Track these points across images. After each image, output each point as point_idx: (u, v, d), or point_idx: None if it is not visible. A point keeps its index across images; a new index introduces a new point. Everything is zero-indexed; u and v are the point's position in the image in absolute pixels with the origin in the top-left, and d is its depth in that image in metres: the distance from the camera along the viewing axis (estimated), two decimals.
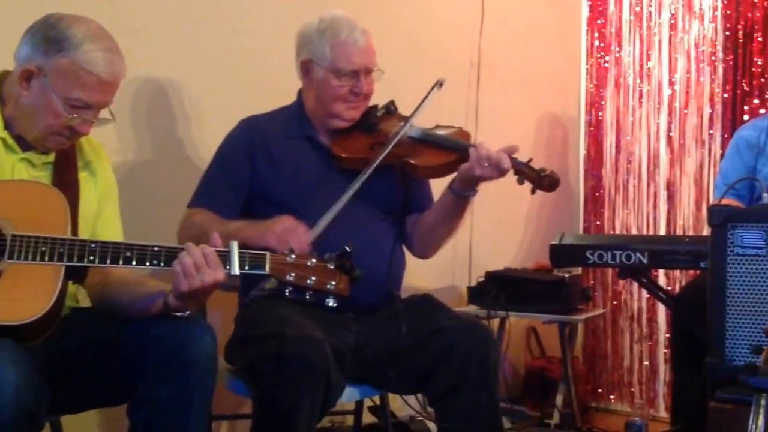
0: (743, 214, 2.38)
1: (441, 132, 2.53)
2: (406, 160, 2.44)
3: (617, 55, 4.14)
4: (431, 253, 2.64)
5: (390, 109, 2.56)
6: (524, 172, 2.38)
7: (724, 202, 2.80)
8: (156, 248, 1.83)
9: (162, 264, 1.82)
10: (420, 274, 3.33)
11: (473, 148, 2.36)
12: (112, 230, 2.06)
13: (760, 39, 3.68)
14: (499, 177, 2.38)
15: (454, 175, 2.46)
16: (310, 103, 2.53)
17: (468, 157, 2.36)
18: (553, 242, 3.09)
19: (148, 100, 2.74)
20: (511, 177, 2.41)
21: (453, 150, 2.44)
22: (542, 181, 2.39)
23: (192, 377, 1.81)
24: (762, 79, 3.68)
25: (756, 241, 2.27)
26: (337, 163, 2.48)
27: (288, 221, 2.23)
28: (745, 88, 3.72)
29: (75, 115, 1.90)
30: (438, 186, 2.60)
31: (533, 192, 2.41)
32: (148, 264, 1.82)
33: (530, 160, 2.41)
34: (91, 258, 1.80)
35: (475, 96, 3.73)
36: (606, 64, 4.17)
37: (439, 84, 2.51)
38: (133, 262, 1.82)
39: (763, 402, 1.85)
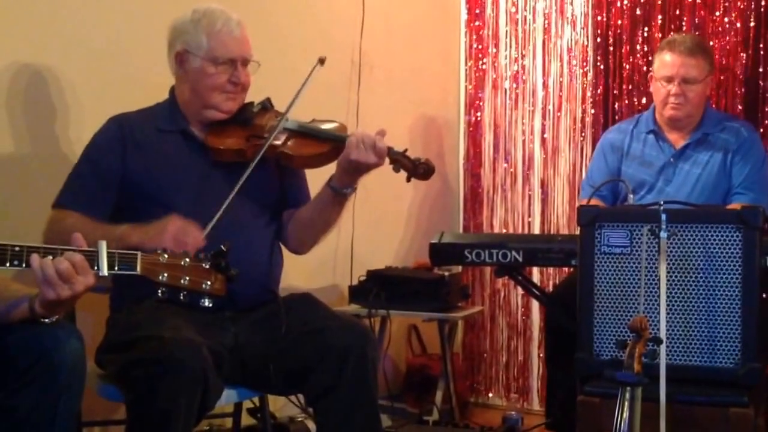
0: (610, 214, 2.47)
1: (317, 125, 2.53)
2: (282, 150, 2.44)
3: (494, 57, 4.23)
4: (306, 249, 2.64)
5: (266, 105, 2.55)
6: (400, 160, 2.42)
7: (588, 202, 2.91)
8: (17, 248, 1.74)
9: (24, 265, 1.73)
10: (301, 273, 3.32)
11: (351, 136, 2.38)
12: None
13: (628, 45, 3.83)
14: (376, 161, 2.38)
15: (330, 169, 2.46)
16: (184, 96, 2.49)
17: (343, 147, 2.38)
18: (433, 241, 3.14)
19: (22, 93, 2.62)
20: (391, 174, 2.44)
21: (328, 140, 2.45)
22: (417, 169, 2.42)
23: (56, 383, 1.73)
24: (630, 84, 3.83)
25: (621, 240, 2.36)
26: (212, 155, 2.45)
27: (178, 221, 2.18)
28: (615, 91, 3.86)
29: None
30: (315, 182, 2.59)
31: (408, 179, 2.44)
32: (8, 264, 1.73)
33: (406, 150, 2.44)
34: None
35: (356, 95, 3.74)
36: (484, 66, 4.25)
37: (320, 61, 2.51)
38: None
39: (627, 395, 1.92)
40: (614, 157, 3.32)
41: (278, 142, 2.44)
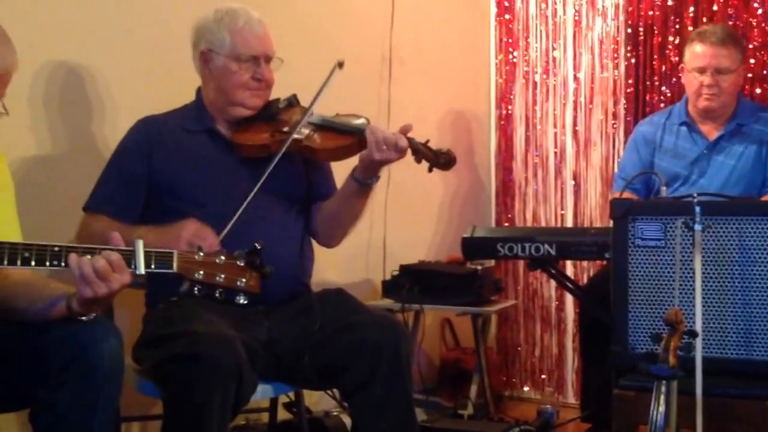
0: (643, 207, 2.46)
1: (340, 118, 2.54)
2: (306, 144, 2.46)
3: (525, 50, 4.21)
4: (335, 242, 2.65)
5: (292, 101, 2.57)
6: (421, 151, 2.43)
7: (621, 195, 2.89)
8: (56, 248, 1.77)
9: (63, 264, 1.76)
10: (334, 268, 3.34)
11: (369, 133, 2.39)
12: (7, 228, 1.98)
13: (660, 36, 3.80)
14: (398, 158, 2.41)
15: (354, 160, 2.48)
16: (210, 95, 2.52)
17: (365, 140, 2.39)
18: (465, 235, 3.13)
19: (58, 91, 2.67)
20: (422, 169, 2.45)
21: (351, 133, 2.47)
22: (438, 159, 2.44)
23: (95, 380, 1.75)
24: (662, 75, 3.80)
25: (655, 232, 2.34)
26: (238, 152, 2.48)
27: (193, 225, 2.22)
28: (646, 83, 3.83)
29: None
30: (339, 174, 2.60)
31: (430, 170, 2.46)
32: (48, 264, 1.76)
33: (427, 141, 2.45)
34: None
35: (386, 89, 3.75)
36: (514, 60, 4.24)
37: (339, 65, 2.52)
38: (32, 263, 1.75)
39: (663, 389, 1.91)
40: (647, 150, 3.30)
41: (302, 137, 2.46)
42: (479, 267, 3.49)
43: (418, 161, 2.45)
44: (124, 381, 1.88)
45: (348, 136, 2.47)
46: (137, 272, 1.80)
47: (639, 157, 3.31)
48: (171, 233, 2.20)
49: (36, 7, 2.57)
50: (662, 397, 1.90)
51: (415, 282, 3.45)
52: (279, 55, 2.54)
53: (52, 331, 1.79)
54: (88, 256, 1.77)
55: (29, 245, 1.76)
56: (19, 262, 1.74)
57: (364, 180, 2.47)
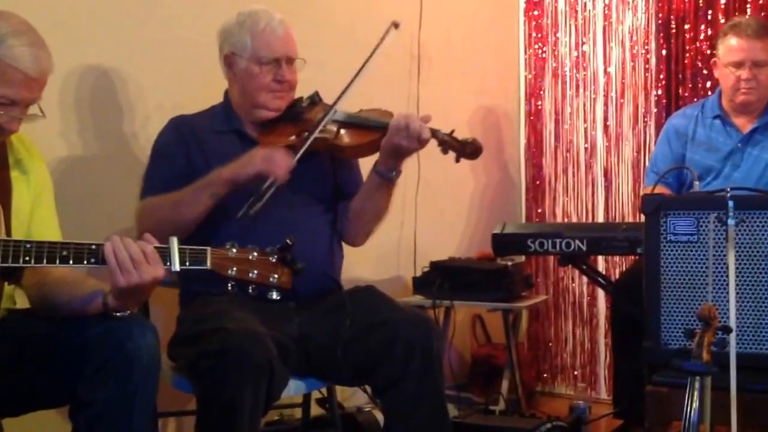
0: (675, 201, 2.44)
1: (364, 114, 2.55)
2: (332, 142, 2.47)
3: (554, 45, 4.19)
4: (361, 240, 2.66)
5: (314, 99, 2.58)
6: (447, 141, 2.43)
7: (653, 190, 2.87)
8: (93, 246, 1.80)
9: (100, 262, 1.79)
10: (365, 265, 3.35)
11: (392, 120, 2.40)
12: (47, 229, 2.02)
13: (691, 28, 3.77)
14: (418, 146, 2.40)
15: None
16: (235, 97, 2.55)
17: None
18: (495, 231, 3.14)
19: (90, 93, 2.70)
20: (452, 166, 2.45)
21: (376, 128, 2.47)
22: (465, 149, 2.43)
23: (133, 377, 1.78)
24: (694, 68, 3.77)
25: (688, 227, 2.33)
26: None
27: (262, 149, 2.33)
28: (678, 76, 3.81)
29: (1, 113, 1.85)
30: (367, 172, 2.61)
31: (457, 160, 2.45)
32: (85, 262, 1.79)
33: (453, 131, 2.44)
34: (27, 258, 1.76)
35: (415, 87, 3.75)
36: (543, 55, 4.23)
37: (395, 25, 2.52)
38: (70, 261, 1.78)
39: (696, 385, 1.90)
40: (679, 143, 3.27)
41: (327, 135, 2.46)
42: (509, 263, 3.49)
43: (445, 152, 2.44)
44: (161, 377, 1.91)
45: (373, 132, 2.47)
46: (172, 269, 1.83)
47: (670, 150, 3.29)
48: (244, 158, 2.31)
49: (67, 12, 2.60)
50: (696, 394, 1.89)
51: (445, 278, 3.45)
52: (307, 56, 2.55)
53: (91, 329, 1.82)
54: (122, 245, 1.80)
55: (67, 244, 1.80)
56: (58, 260, 1.78)
57: (386, 172, 2.47)
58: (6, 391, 1.85)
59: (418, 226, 3.72)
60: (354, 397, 3.32)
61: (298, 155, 2.37)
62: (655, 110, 3.90)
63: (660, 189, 2.98)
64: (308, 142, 2.40)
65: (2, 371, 1.85)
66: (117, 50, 2.74)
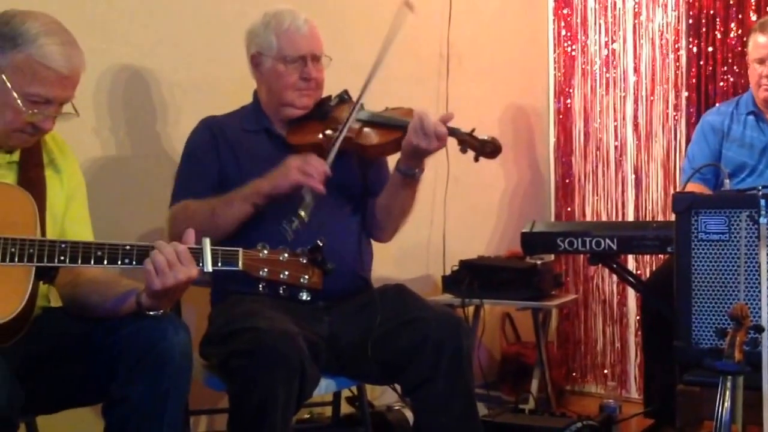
0: (706, 200, 2.42)
1: (388, 113, 2.55)
2: (356, 141, 2.48)
3: (583, 43, 4.18)
4: (387, 237, 2.66)
5: (343, 97, 2.58)
6: (466, 140, 2.41)
7: (691, 186, 2.85)
8: (128, 247, 1.82)
9: (134, 262, 1.82)
10: (394, 264, 3.36)
11: (411, 120, 2.39)
12: (80, 228, 2.04)
13: (722, 26, 3.74)
14: (438, 146, 2.39)
15: None
16: (263, 97, 2.57)
17: None
18: (525, 230, 3.13)
19: (124, 93, 2.74)
20: (481, 164, 2.44)
21: (399, 127, 2.46)
22: (484, 147, 2.41)
23: (166, 375, 1.80)
24: (725, 66, 3.74)
25: (719, 226, 2.31)
26: (292, 151, 2.50)
27: (297, 158, 2.33)
28: (708, 74, 3.78)
29: (35, 111, 1.87)
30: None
31: (476, 159, 2.43)
32: (119, 263, 1.81)
33: (473, 130, 2.43)
34: (62, 258, 1.78)
35: (444, 86, 3.75)
36: (573, 53, 4.21)
37: (409, 6, 2.51)
38: (105, 261, 1.81)
39: (728, 384, 1.89)
40: (715, 139, 3.26)
41: (350, 133, 2.46)
42: (539, 261, 3.48)
43: (464, 151, 2.42)
44: (192, 375, 1.93)
45: (395, 131, 2.47)
46: (205, 269, 1.84)
47: (708, 146, 3.27)
48: (279, 170, 2.32)
49: (101, 13, 2.64)
50: (728, 393, 1.87)
51: (474, 277, 3.45)
52: (336, 54, 2.56)
53: (124, 328, 1.84)
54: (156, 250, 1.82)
55: (101, 244, 1.82)
56: (92, 261, 1.80)
57: (407, 170, 2.48)
58: (40, 388, 1.87)
59: (448, 225, 3.72)
60: (384, 396, 3.33)
61: (331, 158, 2.37)
62: (686, 108, 3.87)
63: (697, 185, 2.96)
64: (338, 142, 2.42)
65: (37, 369, 1.88)
66: (150, 51, 2.77)
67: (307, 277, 1.94)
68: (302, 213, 2.20)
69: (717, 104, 3.51)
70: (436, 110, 3.66)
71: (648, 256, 3.91)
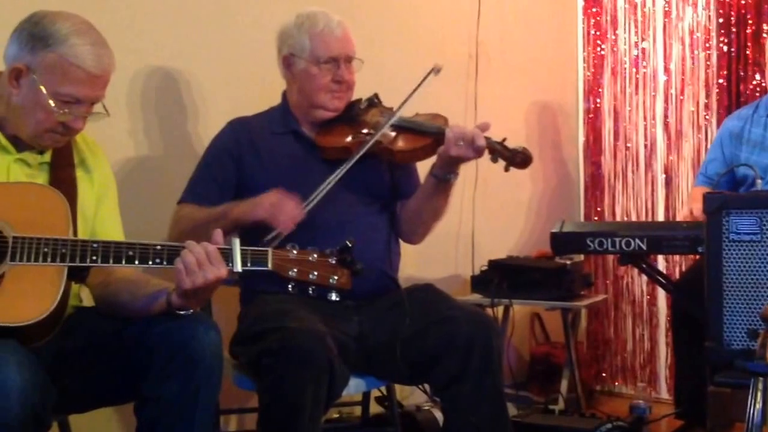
0: (738, 200, 2.39)
1: (419, 119, 2.55)
2: (385, 146, 2.48)
3: (613, 42, 4.15)
4: (418, 238, 2.67)
5: (373, 101, 2.60)
6: (497, 150, 2.43)
7: (701, 191, 2.83)
8: (158, 247, 1.84)
9: (165, 262, 1.83)
10: (423, 264, 3.36)
11: (448, 129, 2.40)
12: (111, 228, 2.06)
13: (753, 24, 3.70)
14: (475, 156, 2.41)
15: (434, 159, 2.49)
16: (293, 98, 2.58)
17: (443, 140, 2.40)
18: (554, 230, 3.12)
19: (156, 94, 2.77)
20: (493, 162, 2.45)
21: (429, 134, 2.48)
22: (514, 158, 2.43)
23: (197, 374, 1.81)
24: (755, 65, 3.70)
25: (750, 227, 2.29)
26: (320, 153, 2.52)
27: (275, 195, 2.29)
28: (739, 73, 3.74)
29: (66, 111, 1.89)
30: (424, 172, 2.62)
31: (507, 169, 2.45)
32: (150, 263, 1.83)
33: (504, 140, 2.44)
34: (94, 258, 1.80)
35: (473, 87, 3.75)
36: (602, 52, 4.19)
37: (436, 70, 2.52)
38: (136, 261, 1.83)
39: (760, 386, 1.87)
40: (732, 146, 3.22)
41: (381, 138, 2.47)
42: (568, 261, 3.46)
43: (494, 160, 2.44)
44: (223, 375, 1.94)
45: (425, 137, 2.48)
46: (234, 269, 1.86)
47: (722, 154, 3.24)
48: (253, 202, 2.31)
49: (133, 15, 2.67)
50: (759, 395, 1.86)
51: (503, 277, 3.44)
52: (366, 56, 2.57)
53: (154, 327, 1.85)
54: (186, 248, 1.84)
55: (132, 244, 1.84)
56: (123, 260, 1.82)
57: (442, 176, 2.48)
58: (72, 387, 1.89)
59: (476, 225, 3.72)
60: (413, 396, 3.33)
61: (339, 174, 2.38)
62: (717, 107, 3.83)
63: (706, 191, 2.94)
64: (366, 147, 2.42)
65: (69, 368, 1.90)
66: (181, 52, 2.80)
67: (336, 277, 1.94)
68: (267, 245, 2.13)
69: (739, 108, 3.47)
70: (464, 110, 3.66)
71: (677, 256, 3.88)
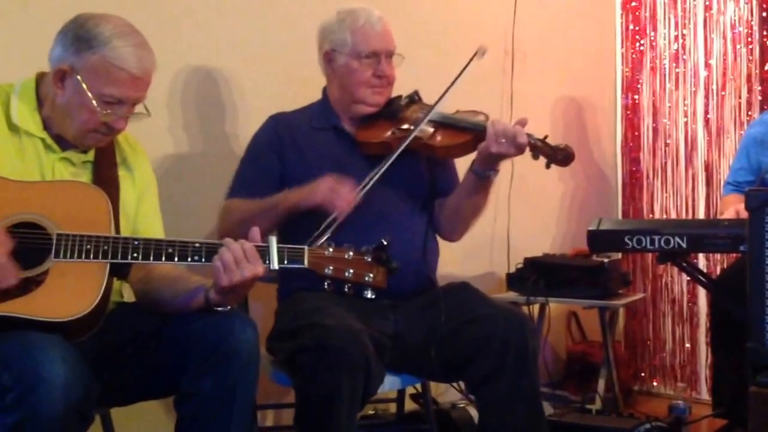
0: None
1: (459, 115, 2.55)
2: (425, 142, 2.48)
3: (652, 38, 4.11)
4: (458, 236, 2.67)
5: (414, 98, 2.60)
6: (539, 147, 2.41)
7: (731, 199, 2.79)
8: (197, 244, 1.87)
9: (203, 260, 1.86)
10: (458, 261, 3.36)
11: (490, 124, 2.39)
12: (151, 226, 2.10)
13: None
14: (516, 153, 2.40)
15: (474, 155, 2.49)
16: (334, 94, 2.59)
17: (484, 137, 2.39)
18: (591, 228, 3.09)
19: (195, 93, 2.80)
20: (542, 160, 2.43)
21: (469, 130, 2.47)
22: (556, 155, 2.41)
23: (233, 370, 1.84)
24: None
25: None
26: (360, 149, 2.53)
27: (331, 180, 2.32)
28: None
29: (109, 111, 1.93)
30: (463, 169, 2.62)
31: (548, 166, 2.44)
32: (189, 260, 1.86)
33: (546, 137, 2.43)
34: (135, 255, 1.84)
35: (509, 83, 3.73)
36: (641, 48, 4.15)
37: (481, 52, 2.51)
38: (175, 258, 1.86)
39: None
40: (757, 152, 3.18)
41: (421, 134, 2.47)
42: (606, 260, 3.43)
43: (536, 157, 2.43)
44: (260, 370, 1.96)
45: (466, 133, 2.48)
46: (271, 267, 1.88)
47: (748, 160, 3.20)
48: (309, 188, 2.33)
49: (174, 15, 2.70)
50: None
51: (540, 275, 3.42)
52: (403, 53, 2.57)
53: (193, 323, 1.88)
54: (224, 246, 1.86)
55: (172, 242, 1.87)
56: (163, 258, 1.86)
57: (483, 172, 2.47)
58: (114, 381, 1.92)
59: (512, 222, 3.71)
60: (448, 393, 3.33)
61: (386, 164, 2.38)
62: (759, 103, 3.78)
63: (737, 197, 2.91)
64: (405, 144, 2.42)
65: (111, 362, 1.93)
66: (220, 51, 2.83)
67: (371, 275, 1.95)
68: (324, 231, 2.20)
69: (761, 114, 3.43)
70: (501, 107, 3.65)
71: (718, 254, 3.83)
